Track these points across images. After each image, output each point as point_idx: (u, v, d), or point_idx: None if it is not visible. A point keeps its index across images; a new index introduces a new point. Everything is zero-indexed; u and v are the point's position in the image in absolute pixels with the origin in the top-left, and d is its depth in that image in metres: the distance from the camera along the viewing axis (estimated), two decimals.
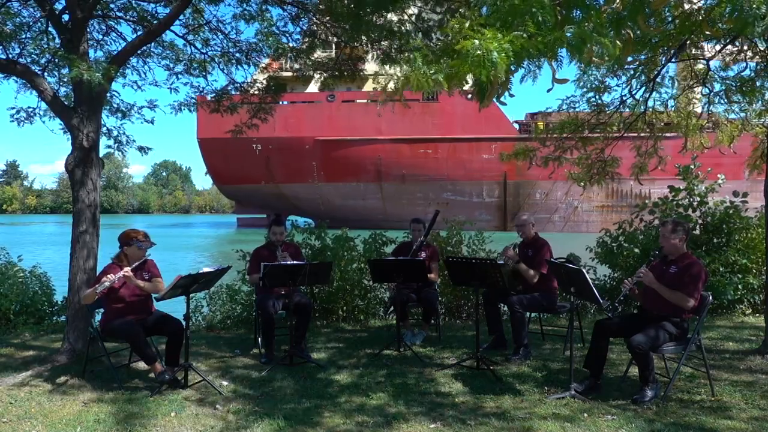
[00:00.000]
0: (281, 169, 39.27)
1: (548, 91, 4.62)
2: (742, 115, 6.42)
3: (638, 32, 3.75)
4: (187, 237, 39.17)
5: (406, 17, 6.43)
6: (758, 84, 5.46)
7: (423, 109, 37.04)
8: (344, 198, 39.53)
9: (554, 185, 36.17)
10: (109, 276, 4.73)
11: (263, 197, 40.87)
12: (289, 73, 7.29)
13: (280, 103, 39.09)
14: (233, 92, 7.26)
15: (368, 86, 38.38)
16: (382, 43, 6.45)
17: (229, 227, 50.05)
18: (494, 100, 3.65)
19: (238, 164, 39.03)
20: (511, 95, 3.65)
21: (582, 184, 7.22)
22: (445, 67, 3.18)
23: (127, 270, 4.80)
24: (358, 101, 39.14)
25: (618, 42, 3.34)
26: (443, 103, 36.54)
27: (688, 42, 5.15)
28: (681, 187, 8.03)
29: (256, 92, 7.45)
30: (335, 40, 6.92)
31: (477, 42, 2.92)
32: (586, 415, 4.04)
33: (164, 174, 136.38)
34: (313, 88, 39.26)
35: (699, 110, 6.92)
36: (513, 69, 3.20)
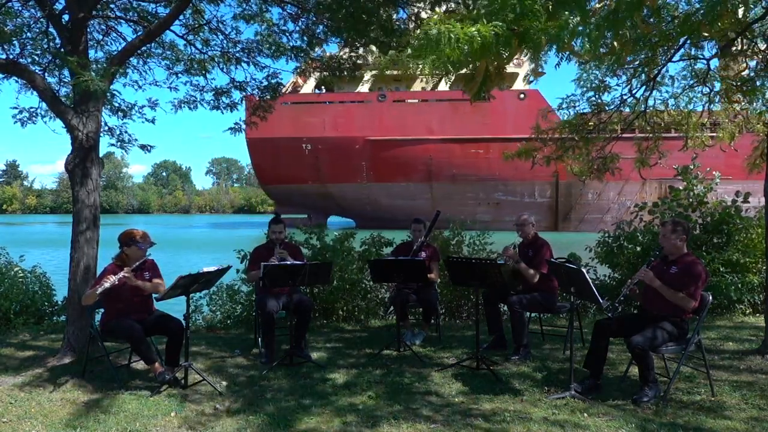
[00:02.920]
0: (330, 168, 39.12)
1: (529, 82, 4.65)
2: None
3: (638, 31, 3.76)
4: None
5: (404, 15, 6.44)
6: (758, 83, 5.46)
7: (474, 109, 36.78)
8: (392, 198, 39.19)
9: (606, 185, 35.70)
10: (110, 276, 4.73)
11: (308, 197, 40.69)
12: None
13: (326, 103, 39.24)
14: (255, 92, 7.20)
15: (417, 86, 38.35)
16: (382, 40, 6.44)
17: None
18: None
19: (286, 164, 38.95)
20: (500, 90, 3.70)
21: (583, 178, 7.27)
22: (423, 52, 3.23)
23: (127, 270, 4.80)
24: (408, 101, 39.06)
25: (615, 44, 3.35)
26: (494, 103, 36.29)
27: (688, 42, 5.16)
28: (680, 188, 8.04)
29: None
30: (335, 39, 6.92)
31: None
32: (586, 415, 4.04)
33: (164, 174, 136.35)
34: (363, 87, 39.18)
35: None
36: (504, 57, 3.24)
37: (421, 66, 3.22)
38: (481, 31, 3.00)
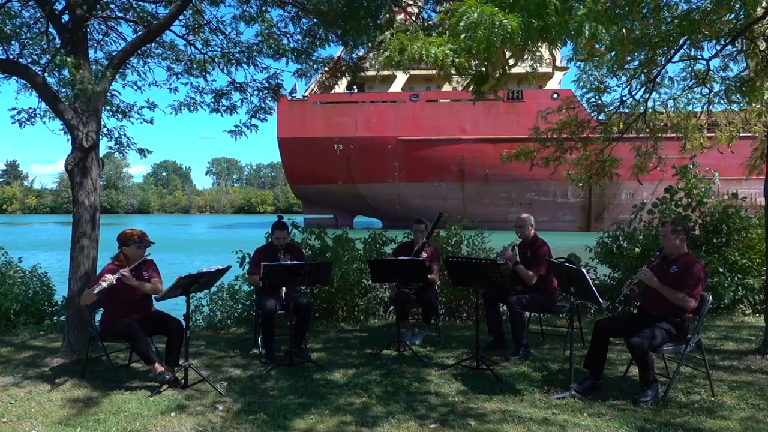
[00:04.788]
0: (361, 168, 38.96)
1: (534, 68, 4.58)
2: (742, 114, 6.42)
3: (637, 31, 3.75)
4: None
5: (404, 16, 6.43)
6: (758, 84, 5.46)
7: (507, 108, 36.48)
8: (423, 198, 38.79)
9: (640, 186, 35.39)
10: (107, 276, 4.74)
11: (337, 197, 40.47)
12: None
13: (358, 103, 39.18)
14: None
15: (447, 86, 38.42)
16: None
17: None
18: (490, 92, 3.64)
19: (317, 164, 38.75)
20: (511, 92, 3.70)
21: (580, 184, 7.25)
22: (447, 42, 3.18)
23: (125, 270, 4.80)
24: (441, 101, 38.94)
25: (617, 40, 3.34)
26: (528, 102, 35.92)
27: (688, 42, 5.15)
28: (679, 187, 8.05)
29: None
30: (335, 40, 6.91)
31: (477, 10, 2.95)
32: (585, 415, 4.04)
33: (164, 174, 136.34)
34: (396, 87, 38.80)
35: None
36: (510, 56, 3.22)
37: (438, 52, 3.12)
38: (509, 20, 2.97)
